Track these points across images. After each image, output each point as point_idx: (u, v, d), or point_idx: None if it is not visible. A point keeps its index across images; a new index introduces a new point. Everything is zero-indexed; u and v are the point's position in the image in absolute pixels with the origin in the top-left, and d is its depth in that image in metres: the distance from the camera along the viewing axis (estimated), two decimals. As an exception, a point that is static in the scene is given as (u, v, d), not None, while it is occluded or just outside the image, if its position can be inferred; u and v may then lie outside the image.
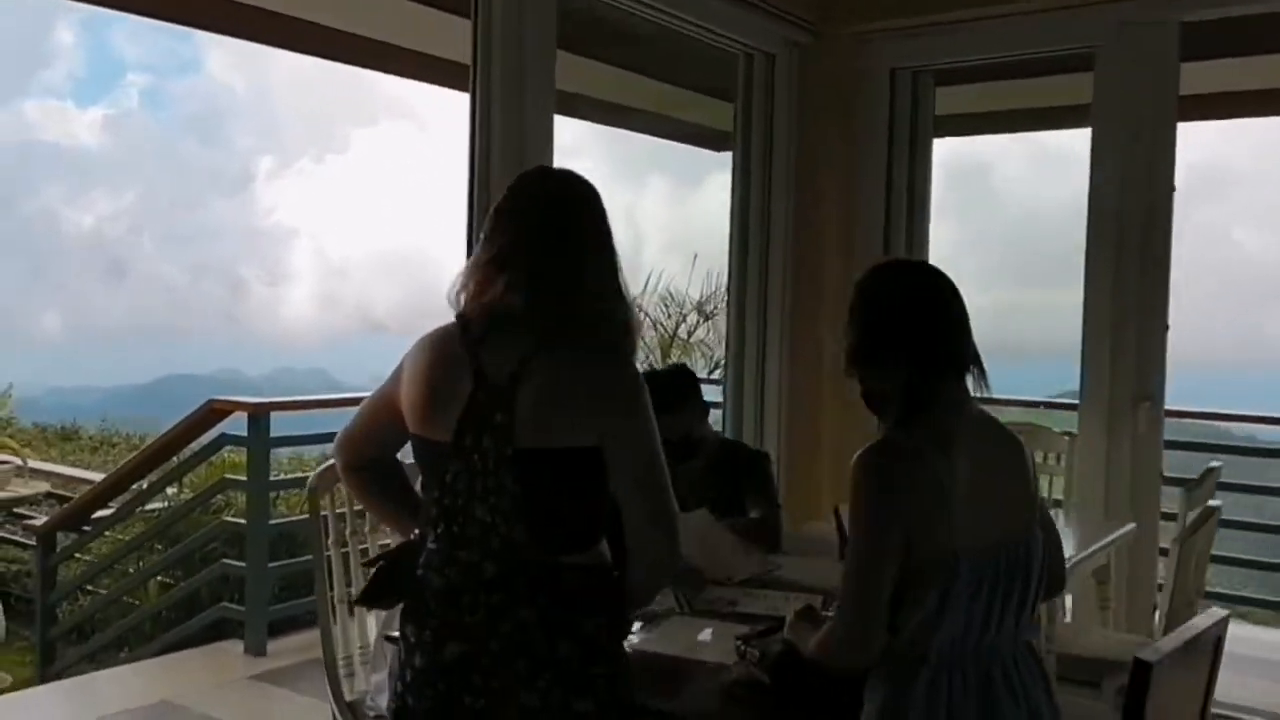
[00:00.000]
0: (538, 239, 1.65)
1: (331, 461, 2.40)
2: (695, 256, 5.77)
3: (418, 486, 1.92)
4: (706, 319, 5.97)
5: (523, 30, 3.12)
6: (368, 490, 1.87)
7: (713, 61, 4.69)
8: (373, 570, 1.70)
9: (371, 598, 1.72)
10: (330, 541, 2.50)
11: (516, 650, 1.55)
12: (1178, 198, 3.83)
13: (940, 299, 1.67)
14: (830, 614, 1.71)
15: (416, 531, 1.71)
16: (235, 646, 4.53)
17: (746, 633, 1.89)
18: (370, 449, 1.81)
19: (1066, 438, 3.68)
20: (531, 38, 3.15)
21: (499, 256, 1.65)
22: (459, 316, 1.68)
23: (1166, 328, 3.86)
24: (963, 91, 4.61)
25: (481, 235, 1.76)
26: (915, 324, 1.65)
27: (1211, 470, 2.92)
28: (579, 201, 1.70)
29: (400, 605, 1.70)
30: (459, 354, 1.63)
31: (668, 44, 4.52)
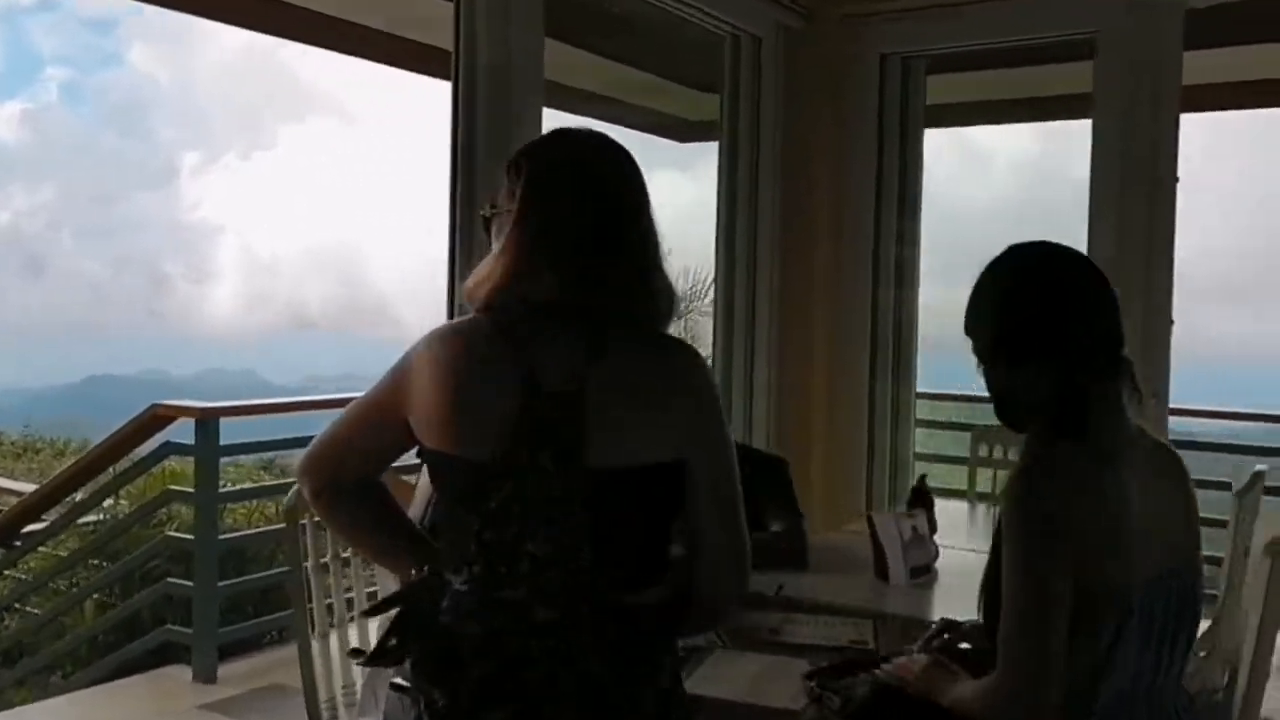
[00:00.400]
0: (582, 216, 1.41)
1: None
2: (669, 251, 5.49)
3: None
4: (679, 318, 5.72)
5: (509, 11, 2.88)
6: (352, 519, 1.55)
7: (690, 47, 4.48)
8: (390, 621, 1.40)
9: (387, 654, 1.40)
10: (310, 566, 2.21)
11: (585, 711, 1.29)
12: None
13: (1096, 289, 1.44)
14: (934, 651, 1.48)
15: (418, 568, 1.43)
16: (182, 673, 4.20)
17: (815, 669, 1.66)
18: (355, 468, 1.50)
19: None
20: (518, 19, 2.90)
21: (537, 238, 1.40)
22: (489, 309, 1.42)
23: (1171, 322, 3.74)
24: (955, 80, 4.43)
25: (483, 215, 1.52)
26: (1073, 316, 1.42)
27: (1260, 474, 2.76)
28: (617, 166, 1.47)
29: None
30: (498, 354, 1.36)
31: (644, 27, 4.29)
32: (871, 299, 4.18)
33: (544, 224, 1.41)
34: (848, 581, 2.36)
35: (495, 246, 1.48)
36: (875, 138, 4.17)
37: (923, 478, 2.68)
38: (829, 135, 4.16)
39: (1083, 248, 3.69)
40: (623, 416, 1.33)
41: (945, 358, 4.46)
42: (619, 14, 4.39)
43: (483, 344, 1.39)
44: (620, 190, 1.45)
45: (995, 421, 1.54)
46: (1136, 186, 3.69)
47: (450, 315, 2.89)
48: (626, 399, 1.34)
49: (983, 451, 3.79)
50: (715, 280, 4.03)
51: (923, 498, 2.57)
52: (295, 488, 2.12)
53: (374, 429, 1.47)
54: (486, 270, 1.43)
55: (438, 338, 1.43)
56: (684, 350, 1.44)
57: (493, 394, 1.34)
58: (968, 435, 3.99)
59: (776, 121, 4.06)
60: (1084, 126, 3.83)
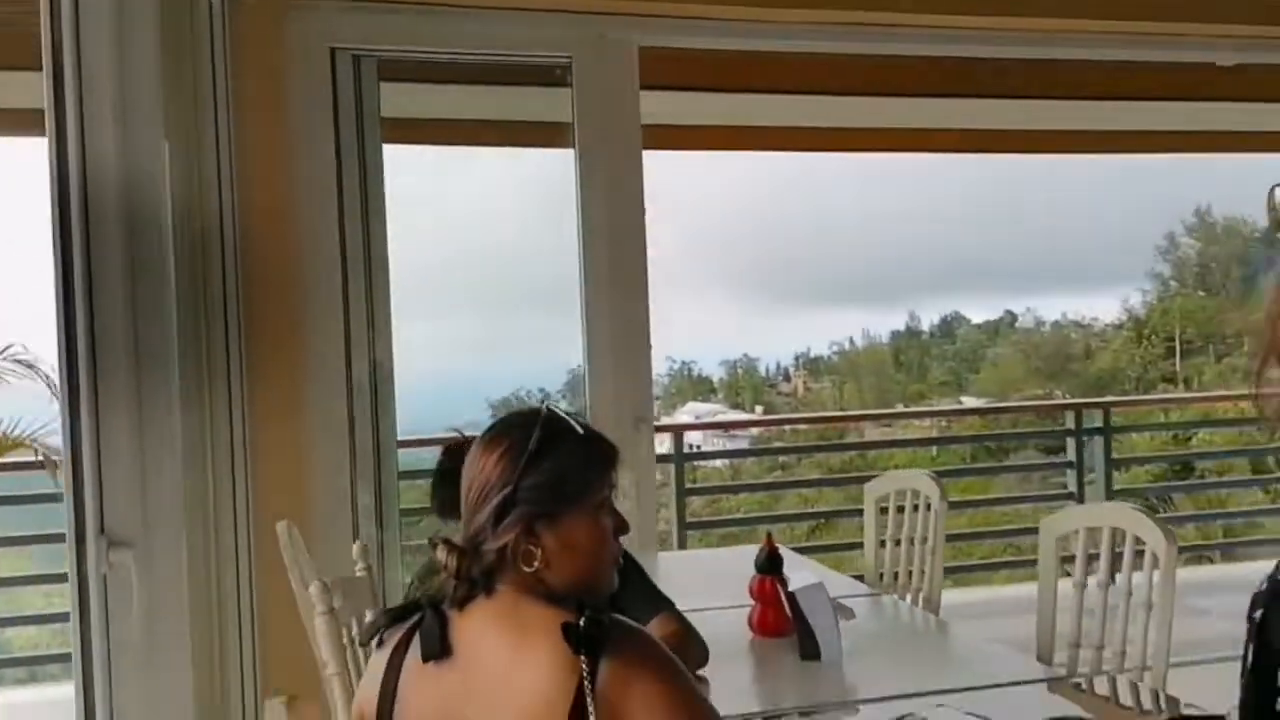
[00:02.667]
0: None
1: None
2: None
3: None
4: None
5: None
6: None
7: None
8: None
9: None
10: None
11: None
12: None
13: None
14: None
15: None
16: None
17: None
18: None
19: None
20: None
21: None
22: None
23: (650, 347, 3.88)
24: (430, 94, 3.98)
25: None
26: None
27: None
28: None
29: None
30: None
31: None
32: (345, 335, 3.57)
33: None
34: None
35: None
36: (334, 146, 3.57)
37: (769, 535, 2.35)
38: (283, 136, 3.44)
39: (574, 284, 3.71)
40: None
41: (423, 399, 4.02)
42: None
43: None
44: None
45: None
46: (616, 220, 3.75)
47: None
48: None
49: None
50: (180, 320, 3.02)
51: (776, 561, 2.26)
52: None
53: None
54: None
55: None
56: None
57: None
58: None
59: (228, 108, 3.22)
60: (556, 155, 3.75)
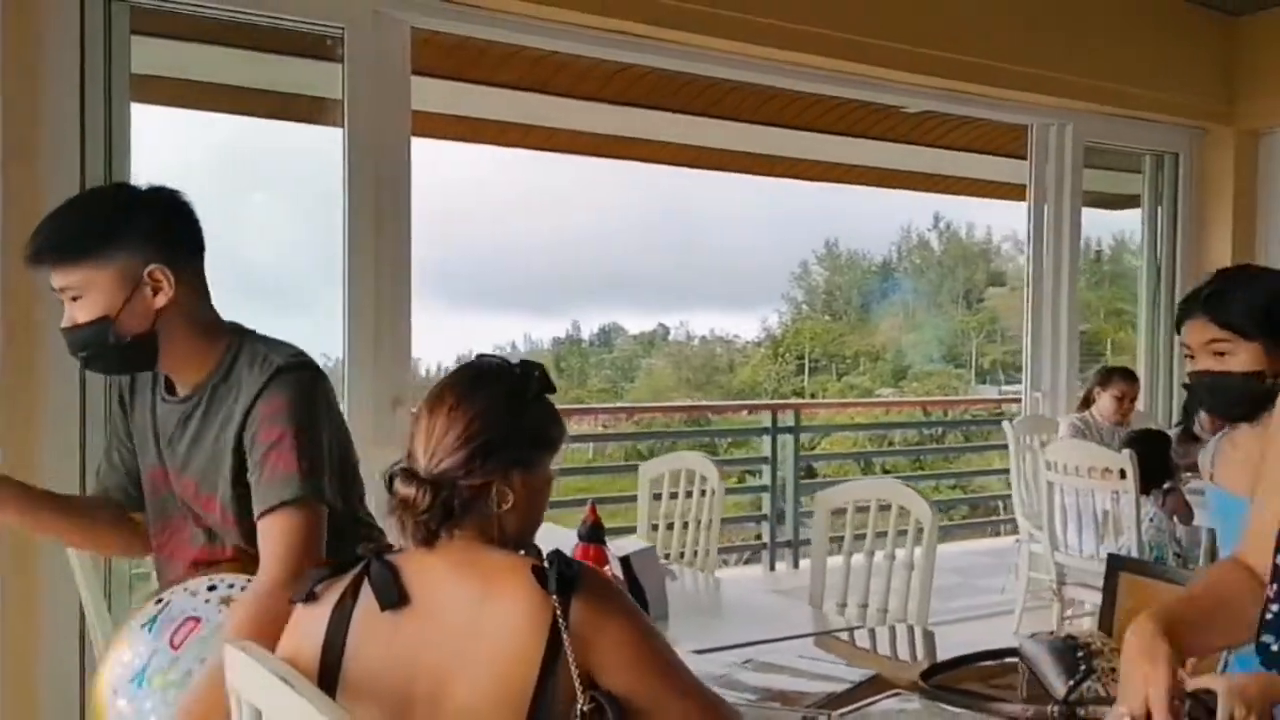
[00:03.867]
0: None
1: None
2: None
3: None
4: None
5: None
6: None
7: None
8: None
9: None
10: None
11: None
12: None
13: None
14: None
15: None
16: None
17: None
18: None
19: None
20: None
21: None
22: None
23: (410, 328, 3.86)
24: (188, 52, 3.67)
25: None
26: None
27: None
28: None
29: None
30: None
31: None
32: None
33: None
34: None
35: None
36: (78, 103, 3.25)
37: (593, 506, 2.39)
38: (27, 75, 3.11)
39: (337, 265, 3.61)
40: None
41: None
42: None
43: None
44: None
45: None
46: (384, 200, 3.71)
47: None
48: None
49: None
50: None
51: (598, 530, 2.33)
52: None
53: None
54: None
55: None
56: None
57: None
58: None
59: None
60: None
